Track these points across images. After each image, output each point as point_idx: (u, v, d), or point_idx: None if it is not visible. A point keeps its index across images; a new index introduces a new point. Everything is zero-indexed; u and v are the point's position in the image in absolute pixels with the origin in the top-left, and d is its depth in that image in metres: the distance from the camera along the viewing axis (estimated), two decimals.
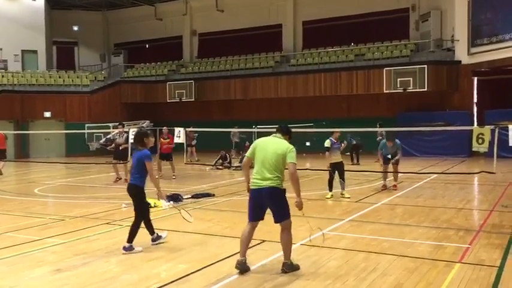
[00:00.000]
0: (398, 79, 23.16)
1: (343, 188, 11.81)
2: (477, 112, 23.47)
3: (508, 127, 11.39)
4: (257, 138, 6.47)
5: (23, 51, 31.59)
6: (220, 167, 19.31)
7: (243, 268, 5.77)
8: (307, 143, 24.57)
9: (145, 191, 7.17)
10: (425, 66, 22.85)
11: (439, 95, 24.03)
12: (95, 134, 26.95)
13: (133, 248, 6.89)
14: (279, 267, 5.87)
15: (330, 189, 11.78)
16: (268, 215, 5.89)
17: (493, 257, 6.32)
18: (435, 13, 25.56)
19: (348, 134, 18.85)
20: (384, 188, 12.93)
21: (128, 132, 15.24)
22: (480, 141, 11.84)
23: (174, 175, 16.31)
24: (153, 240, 7.29)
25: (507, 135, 11.10)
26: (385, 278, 5.55)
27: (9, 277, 5.84)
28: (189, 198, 11.78)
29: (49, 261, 6.48)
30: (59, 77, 30.14)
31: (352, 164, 19.43)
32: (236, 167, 18.32)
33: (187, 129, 20.35)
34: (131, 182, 7.16)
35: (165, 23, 33.59)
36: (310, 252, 6.57)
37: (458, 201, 10.98)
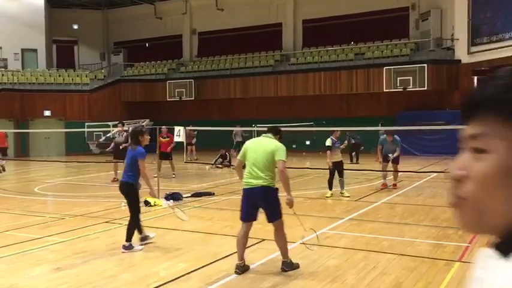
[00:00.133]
0: (398, 78, 23.16)
1: (342, 187, 11.82)
2: None
3: None
4: (257, 137, 6.49)
5: (22, 49, 31.57)
6: (220, 165, 19.32)
7: (242, 271, 5.79)
8: (307, 142, 24.57)
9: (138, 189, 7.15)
10: (425, 65, 22.84)
11: (439, 94, 24.03)
12: (94, 133, 26.95)
13: (133, 247, 6.90)
14: (278, 266, 5.88)
15: (330, 188, 11.79)
16: (263, 213, 5.90)
17: None
18: (435, 12, 25.55)
19: (346, 133, 18.86)
20: (384, 186, 12.93)
21: (127, 131, 15.24)
22: None
23: (173, 174, 16.31)
24: (141, 239, 7.23)
25: None
26: (384, 277, 5.56)
27: (9, 275, 5.85)
28: (189, 196, 11.79)
29: (49, 260, 6.49)
30: (59, 76, 30.13)
31: (351, 163, 19.43)
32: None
33: (187, 128, 20.39)
34: (124, 179, 7.13)
35: (165, 21, 33.57)
36: (310, 251, 6.59)
37: None
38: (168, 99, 29.36)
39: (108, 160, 17.29)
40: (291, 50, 29.55)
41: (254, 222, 5.96)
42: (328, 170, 11.76)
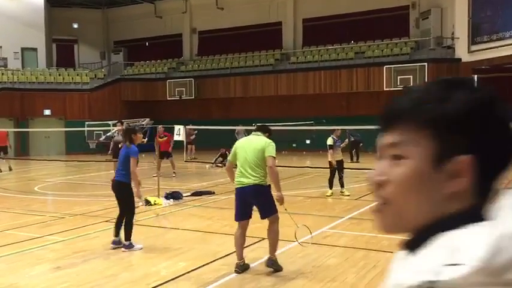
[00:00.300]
0: (399, 77, 23.13)
1: (342, 186, 11.81)
2: None
3: None
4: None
5: (22, 48, 31.55)
6: (220, 164, 19.30)
7: (242, 270, 5.78)
8: (307, 141, 24.56)
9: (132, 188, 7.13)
10: (426, 64, 22.82)
11: None
12: (94, 132, 26.96)
13: (133, 246, 6.89)
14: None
15: (331, 187, 11.78)
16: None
17: None
18: (435, 11, 25.53)
19: (346, 131, 18.85)
20: None
21: None
22: None
23: (174, 172, 16.31)
24: (113, 242, 6.99)
25: None
26: (384, 276, 5.56)
27: (9, 275, 5.85)
28: (189, 196, 11.79)
29: (49, 259, 6.49)
30: (59, 75, 30.11)
31: (351, 162, 19.41)
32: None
33: (186, 126, 20.37)
34: (116, 178, 7.09)
35: (165, 20, 33.54)
36: (310, 250, 6.58)
37: None
38: (168, 98, 29.35)
39: (108, 159, 17.29)
40: (291, 49, 29.53)
41: (254, 222, 5.96)
42: (329, 169, 11.75)
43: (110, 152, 16.27)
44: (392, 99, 0.85)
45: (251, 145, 5.89)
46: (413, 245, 0.80)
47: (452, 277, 0.68)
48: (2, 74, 28.86)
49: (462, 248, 0.70)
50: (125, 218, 7.02)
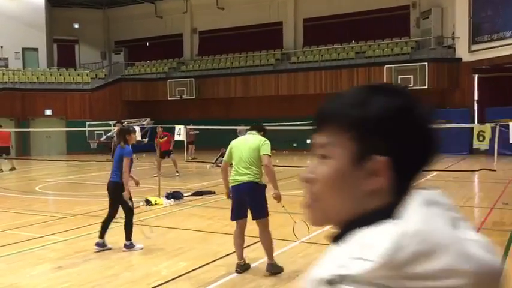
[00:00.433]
0: (399, 76, 23.12)
1: None
2: (478, 110, 23.45)
3: (508, 124, 11.40)
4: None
5: (23, 49, 31.57)
6: (221, 164, 19.28)
7: (243, 269, 5.77)
8: (308, 141, 24.54)
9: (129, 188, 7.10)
10: (426, 63, 22.81)
11: (440, 92, 24.00)
12: (95, 132, 26.97)
13: (134, 246, 6.90)
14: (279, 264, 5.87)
15: None
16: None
17: None
18: (436, 10, 25.53)
19: None
20: None
21: None
22: (481, 138, 11.88)
23: (177, 172, 16.28)
24: (97, 244, 6.90)
25: (508, 133, 11.11)
26: None
27: (10, 274, 5.85)
28: (190, 195, 11.80)
29: (50, 259, 6.50)
30: (60, 75, 30.13)
31: None
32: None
33: (187, 126, 20.37)
34: (112, 179, 7.03)
35: (166, 20, 33.55)
36: (310, 250, 6.58)
37: (459, 199, 10.98)
38: (168, 98, 29.36)
39: (109, 159, 17.31)
40: (291, 49, 29.53)
41: (253, 222, 5.95)
42: None
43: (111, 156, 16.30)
44: (323, 103, 0.92)
45: (246, 144, 5.88)
46: (337, 238, 0.86)
47: (358, 271, 0.75)
48: (3, 74, 28.88)
49: (370, 244, 0.76)
50: (125, 218, 7.01)
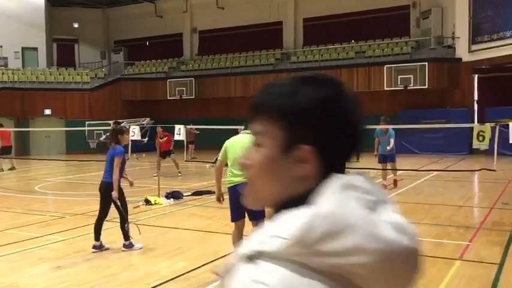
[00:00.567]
0: (399, 76, 23.12)
1: None
2: (478, 109, 23.45)
3: (508, 124, 11.39)
4: None
5: (23, 48, 31.56)
6: None
7: None
8: None
9: (123, 189, 7.08)
10: (426, 63, 22.80)
11: (440, 92, 24.00)
12: (95, 132, 26.95)
13: (133, 245, 6.89)
14: None
15: None
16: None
17: (493, 254, 6.32)
18: (436, 10, 25.53)
19: None
20: (384, 186, 12.87)
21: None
22: (481, 138, 11.86)
23: (179, 172, 16.26)
24: (94, 247, 6.86)
25: (508, 133, 11.10)
26: None
27: (9, 274, 5.85)
28: (190, 195, 11.79)
29: (49, 259, 6.49)
30: (59, 74, 30.12)
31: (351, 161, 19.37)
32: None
33: (187, 126, 20.34)
34: (104, 179, 6.98)
35: (165, 20, 33.54)
36: None
37: (459, 199, 10.98)
38: (168, 98, 29.35)
39: None
40: (291, 49, 29.52)
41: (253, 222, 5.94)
42: None
43: None
44: (258, 92, 0.97)
45: (240, 143, 5.86)
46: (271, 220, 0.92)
47: (274, 248, 0.82)
48: (3, 73, 28.86)
49: (287, 224, 0.83)
50: (120, 218, 6.99)
